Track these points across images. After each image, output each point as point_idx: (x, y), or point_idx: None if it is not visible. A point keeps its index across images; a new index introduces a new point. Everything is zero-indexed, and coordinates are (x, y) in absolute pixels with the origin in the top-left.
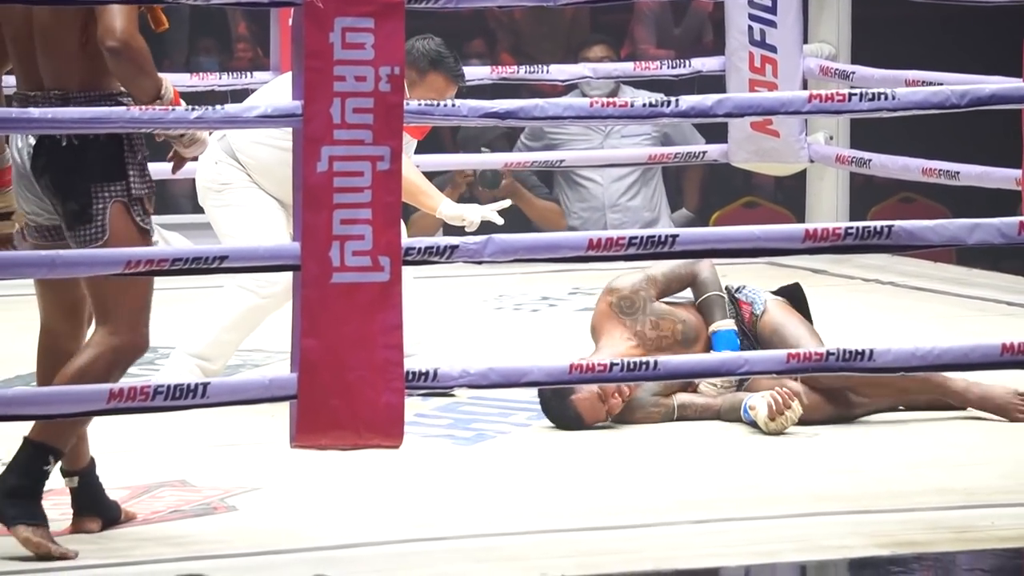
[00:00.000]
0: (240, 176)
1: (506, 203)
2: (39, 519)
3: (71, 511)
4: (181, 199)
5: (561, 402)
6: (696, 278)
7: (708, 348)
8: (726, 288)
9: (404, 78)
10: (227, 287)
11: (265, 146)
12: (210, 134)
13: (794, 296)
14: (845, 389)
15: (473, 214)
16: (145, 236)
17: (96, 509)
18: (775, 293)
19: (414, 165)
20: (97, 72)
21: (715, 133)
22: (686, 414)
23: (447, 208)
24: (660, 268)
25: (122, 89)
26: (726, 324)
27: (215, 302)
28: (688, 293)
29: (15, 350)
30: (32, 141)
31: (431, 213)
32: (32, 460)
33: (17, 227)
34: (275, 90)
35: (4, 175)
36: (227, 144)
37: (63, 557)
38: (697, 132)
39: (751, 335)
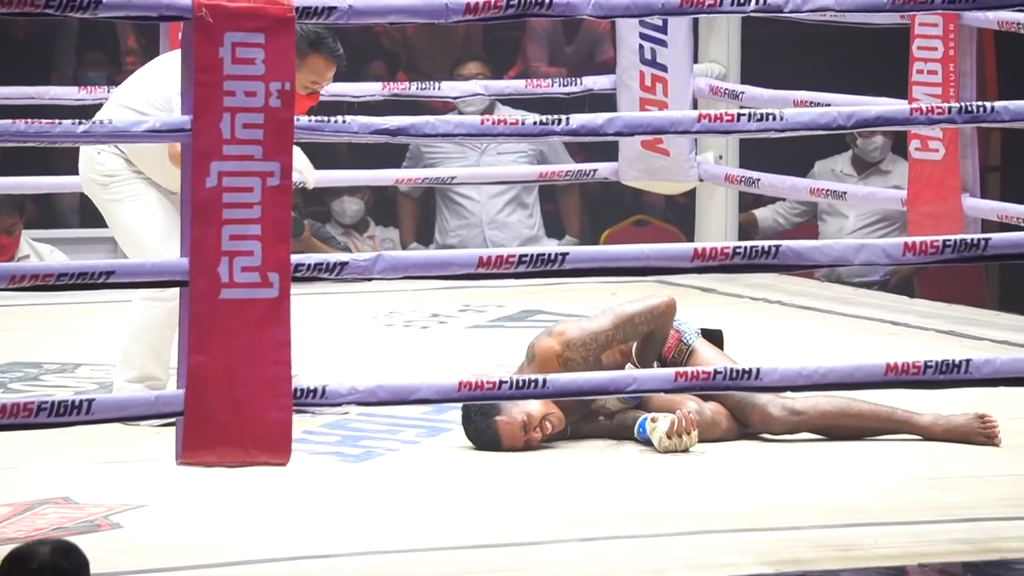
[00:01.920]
0: (122, 164)
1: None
2: None
3: None
4: (69, 213)
5: (485, 420)
6: (650, 337)
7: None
8: None
9: (295, 93)
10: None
11: None
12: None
13: (715, 341)
14: (798, 425)
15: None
16: None
17: None
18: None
19: None
20: None
21: (605, 151)
22: (580, 431)
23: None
24: (611, 320)
25: None
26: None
27: (129, 321)
28: None
29: None
30: None
31: None
32: None
33: None
34: (157, 73)
35: None
36: None
37: None
38: (567, 152)
39: (669, 364)
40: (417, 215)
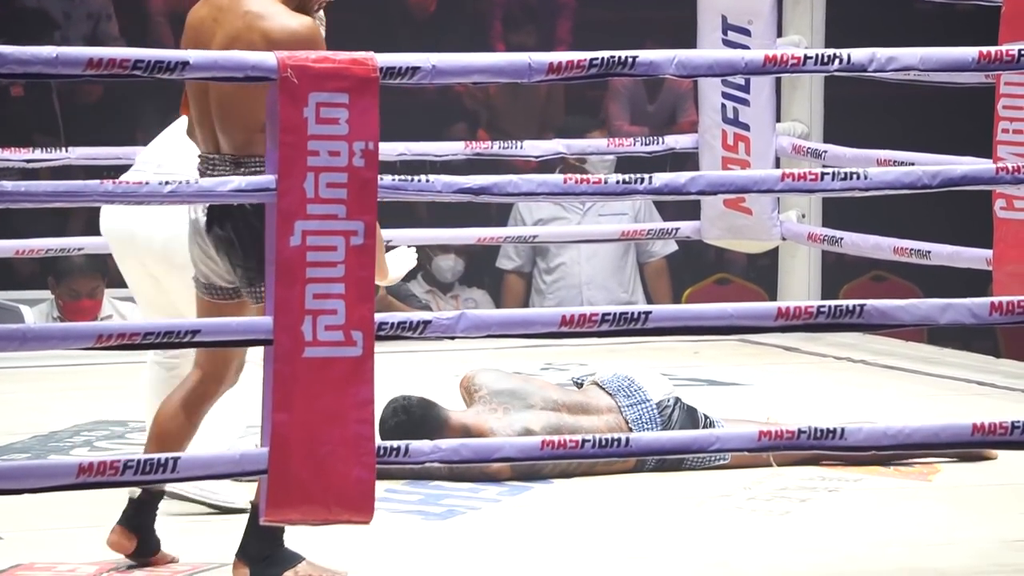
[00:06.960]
0: None
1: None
2: (295, 558)
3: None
4: None
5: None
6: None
7: None
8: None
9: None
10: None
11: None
12: None
13: None
14: None
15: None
16: None
17: (139, 529)
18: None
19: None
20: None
21: (688, 210)
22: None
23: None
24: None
25: None
26: None
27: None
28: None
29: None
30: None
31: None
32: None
33: None
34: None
35: None
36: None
37: None
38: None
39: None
40: (524, 293)
